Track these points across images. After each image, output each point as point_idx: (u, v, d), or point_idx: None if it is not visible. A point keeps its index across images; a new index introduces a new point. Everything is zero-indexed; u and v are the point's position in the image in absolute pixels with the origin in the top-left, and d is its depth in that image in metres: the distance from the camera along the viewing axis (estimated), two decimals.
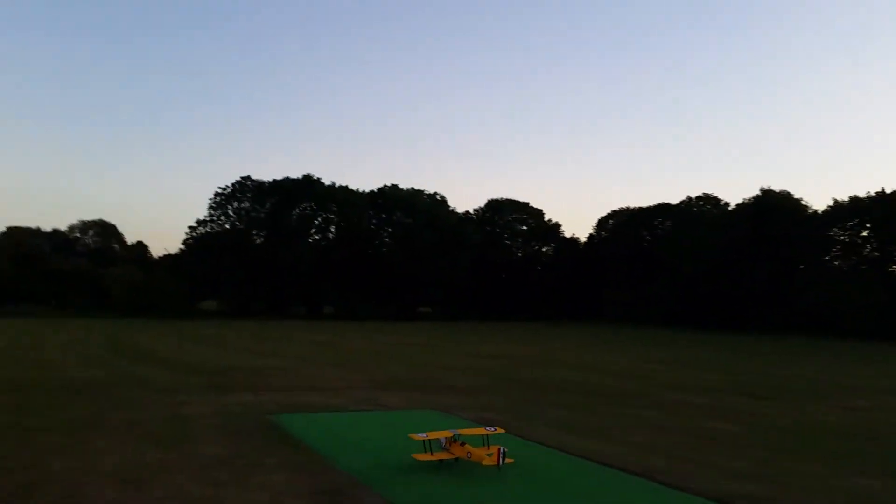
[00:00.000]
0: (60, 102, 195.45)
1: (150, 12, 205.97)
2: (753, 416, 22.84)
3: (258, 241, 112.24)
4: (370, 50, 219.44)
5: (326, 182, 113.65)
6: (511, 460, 14.01)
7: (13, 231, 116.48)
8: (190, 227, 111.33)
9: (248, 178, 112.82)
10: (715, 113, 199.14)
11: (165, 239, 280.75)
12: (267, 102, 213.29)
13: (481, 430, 15.52)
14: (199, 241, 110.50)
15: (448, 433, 14.81)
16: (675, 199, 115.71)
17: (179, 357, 40.02)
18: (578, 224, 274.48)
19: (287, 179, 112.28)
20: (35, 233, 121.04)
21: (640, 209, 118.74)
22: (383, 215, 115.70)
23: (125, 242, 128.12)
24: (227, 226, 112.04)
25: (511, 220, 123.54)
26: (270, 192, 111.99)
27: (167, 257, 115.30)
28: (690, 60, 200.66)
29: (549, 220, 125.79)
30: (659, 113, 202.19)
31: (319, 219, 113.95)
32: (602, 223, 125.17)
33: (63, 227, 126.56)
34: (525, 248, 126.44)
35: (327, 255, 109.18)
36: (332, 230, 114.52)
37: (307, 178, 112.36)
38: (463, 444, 14.36)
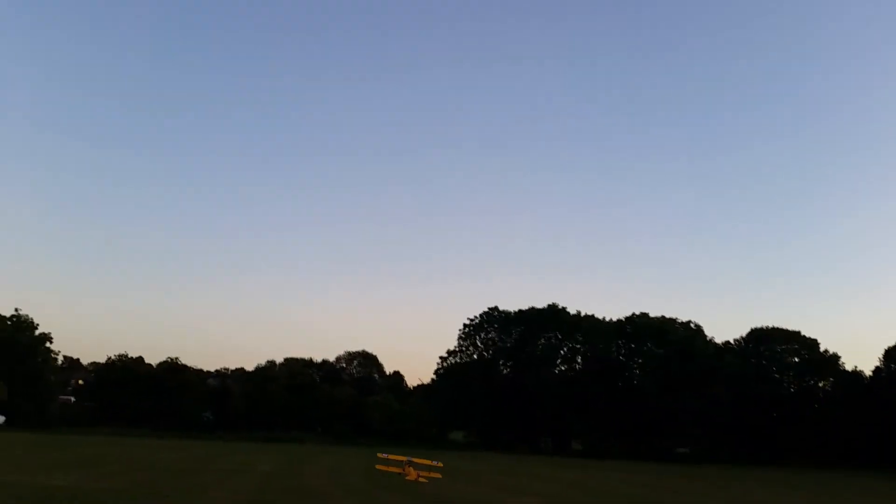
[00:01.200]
0: (321, 248, 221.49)
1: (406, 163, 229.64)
2: None
3: (505, 370, 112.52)
4: (610, 182, 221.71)
5: (572, 311, 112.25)
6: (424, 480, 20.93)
7: (289, 362, 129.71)
8: (441, 358, 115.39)
9: (496, 308, 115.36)
10: None
11: (420, 368, 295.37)
12: (512, 235, 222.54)
13: (427, 461, 24.34)
14: (449, 371, 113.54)
15: (403, 458, 23.69)
16: None
17: (436, 491, 39.02)
18: (861, 355, 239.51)
19: (532, 309, 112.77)
20: (308, 363, 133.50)
21: None
22: (632, 345, 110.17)
23: (384, 372, 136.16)
24: (475, 355, 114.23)
25: (780, 351, 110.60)
26: (516, 322, 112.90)
27: (420, 387, 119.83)
28: None
29: (826, 351, 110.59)
30: None
31: (565, 348, 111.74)
32: (890, 354, 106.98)
33: (332, 357, 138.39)
34: (797, 382, 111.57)
35: (573, 387, 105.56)
36: (579, 360, 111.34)
37: (552, 308, 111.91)
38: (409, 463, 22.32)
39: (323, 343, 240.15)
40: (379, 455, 31.89)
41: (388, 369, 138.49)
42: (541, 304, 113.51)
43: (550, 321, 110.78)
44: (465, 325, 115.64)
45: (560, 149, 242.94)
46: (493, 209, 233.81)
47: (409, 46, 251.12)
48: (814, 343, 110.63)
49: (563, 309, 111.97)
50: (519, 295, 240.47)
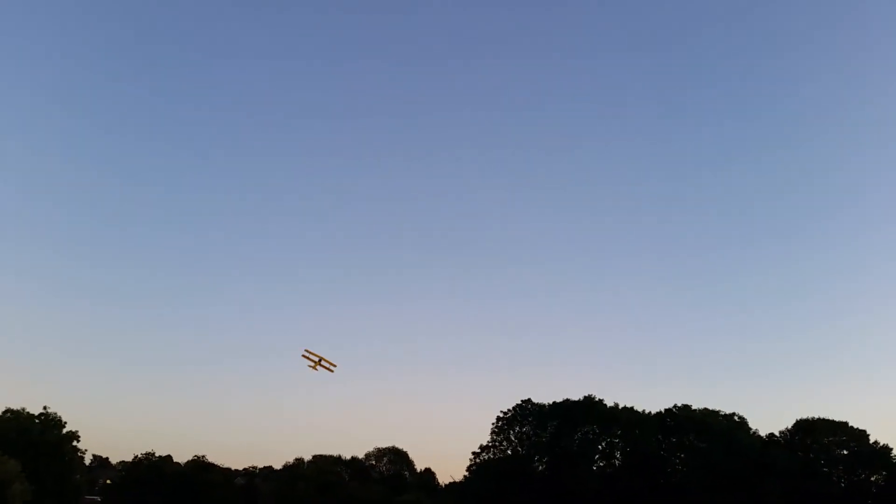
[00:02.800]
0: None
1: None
2: None
3: (540, 467, 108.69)
4: (648, 270, 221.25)
5: (609, 403, 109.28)
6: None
7: (318, 459, 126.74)
8: (473, 454, 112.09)
9: (529, 401, 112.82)
10: None
11: (452, 464, 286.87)
12: (547, 324, 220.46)
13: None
14: (482, 468, 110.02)
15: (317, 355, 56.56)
16: None
17: None
18: None
19: (567, 401, 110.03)
20: (336, 460, 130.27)
21: None
22: (673, 439, 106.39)
23: (415, 469, 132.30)
24: (509, 451, 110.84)
25: (828, 443, 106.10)
26: (551, 415, 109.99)
27: (452, 484, 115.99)
28: None
29: (876, 443, 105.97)
30: None
31: (603, 443, 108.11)
32: None
33: (361, 454, 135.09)
34: (848, 476, 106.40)
35: (613, 484, 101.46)
36: (618, 456, 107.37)
37: (588, 400, 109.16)
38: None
39: (352, 439, 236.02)
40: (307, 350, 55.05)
41: (419, 466, 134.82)
42: (576, 395, 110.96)
43: (587, 414, 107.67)
44: (498, 419, 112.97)
45: (596, 241, 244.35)
46: (526, 295, 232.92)
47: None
48: (863, 434, 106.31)
49: (601, 401, 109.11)
50: (553, 386, 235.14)
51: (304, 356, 57.28)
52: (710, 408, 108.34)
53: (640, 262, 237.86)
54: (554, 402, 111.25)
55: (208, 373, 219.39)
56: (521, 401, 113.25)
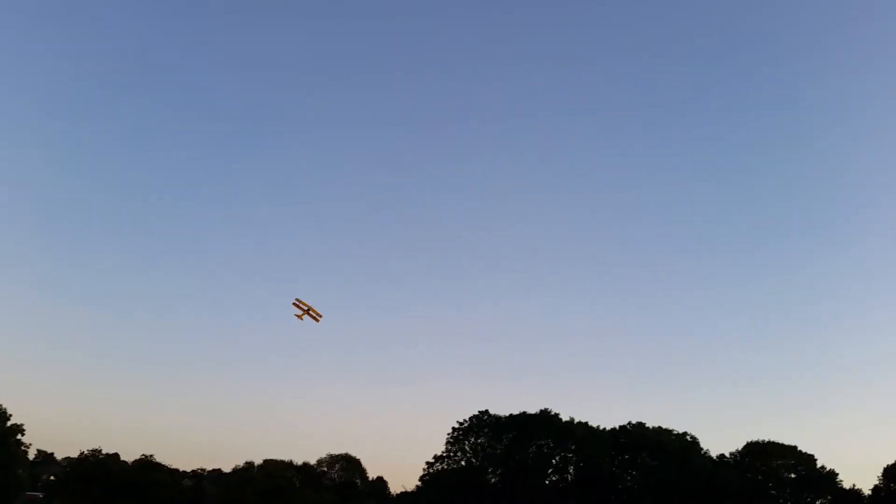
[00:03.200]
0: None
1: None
2: None
3: (493, 479, 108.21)
4: (607, 286, 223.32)
5: (565, 417, 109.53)
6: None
7: (268, 464, 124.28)
8: (427, 463, 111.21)
9: (486, 412, 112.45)
10: None
11: (406, 474, 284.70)
12: (506, 335, 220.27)
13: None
14: (435, 478, 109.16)
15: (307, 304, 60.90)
16: None
17: None
18: (860, 472, 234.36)
19: (524, 414, 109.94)
20: (287, 465, 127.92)
21: None
22: (626, 456, 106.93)
23: (367, 477, 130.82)
24: (463, 462, 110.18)
25: (776, 466, 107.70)
26: (507, 427, 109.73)
27: (405, 494, 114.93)
28: None
29: (823, 468, 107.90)
30: None
31: (557, 457, 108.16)
32: (890, 472, 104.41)
33: (313, 460, 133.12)
34: (795, 500, 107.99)
35: (565, 498, 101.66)
36: (571, 470, 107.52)
37: (545, 413, 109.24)
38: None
39: (305, 444, 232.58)
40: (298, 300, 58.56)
41: (372, 474, 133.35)
42: (534, 408, 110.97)
43: (543, 427, 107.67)
44: (454, 429, 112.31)
45: (558, 253, 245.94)
46: (487, 305, 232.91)
47: None
48: (811, 459, 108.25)
49: (556, 415, 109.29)
50: (511, 398, 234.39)
51: (294, 304, 61.36)
52: (664, 426, 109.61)
53: (599, 277, 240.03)
54: (511, 415, 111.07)
55: (161, 372, 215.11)
56: (479, 412, 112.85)
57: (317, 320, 60.23)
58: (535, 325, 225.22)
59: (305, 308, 60.87)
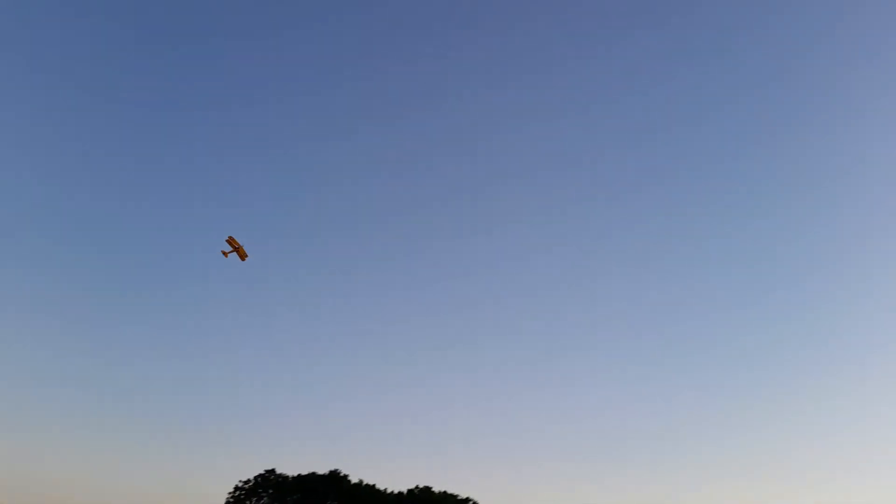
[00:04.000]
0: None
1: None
2: None
3: None
4: (407, 331, 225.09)
5: (354, 479, 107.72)
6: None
7: None
8: None
9: (273, 471, 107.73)
10: None
11: None
12: (292, 391, 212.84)
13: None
14: None
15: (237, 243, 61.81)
16: None
17: None
18: None
19: (313, 475, 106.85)
20: None
21: None
22: None
23: None
24: None
25: None
26: (294, 489, 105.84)
27: None
28: None
29: None
30: None
31: None
32: None
33: None
34: None
35: None
36: None
37: (334, 475, 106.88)
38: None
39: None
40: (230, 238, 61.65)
41: None
42: (324, 468, 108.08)
43: (331, 489, 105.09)
44: (236, 488, 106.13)
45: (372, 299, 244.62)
46: (272, 353, 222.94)
47: None
48: None
49: (346, 477, 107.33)
50: (300, 457, 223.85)
51: (227, 241, 61.54)
52: (450, 491, 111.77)
53: (397, 330, 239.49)
54: (299, 475, 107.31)
55: None
56: (265, 471, 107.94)
57: (242, 259, 60.58)
58: (328, 379, 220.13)
59: (237, 246, 60.39)
